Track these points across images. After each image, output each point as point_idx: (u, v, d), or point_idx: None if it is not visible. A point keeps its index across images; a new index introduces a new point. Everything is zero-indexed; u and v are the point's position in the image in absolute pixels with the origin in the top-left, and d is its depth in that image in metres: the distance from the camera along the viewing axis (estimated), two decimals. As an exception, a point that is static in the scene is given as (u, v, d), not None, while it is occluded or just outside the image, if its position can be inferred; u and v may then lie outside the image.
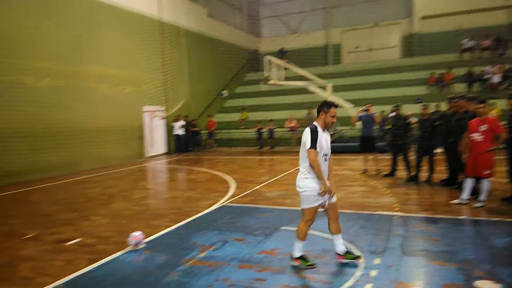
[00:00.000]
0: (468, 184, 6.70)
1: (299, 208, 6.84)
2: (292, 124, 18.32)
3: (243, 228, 5.83)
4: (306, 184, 4.09)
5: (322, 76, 19.72)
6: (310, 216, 4.17)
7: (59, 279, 4.23)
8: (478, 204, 6.50)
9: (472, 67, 19.26)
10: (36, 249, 5.31)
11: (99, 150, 14.29)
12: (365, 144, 10.81)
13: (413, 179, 8.99)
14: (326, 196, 4.11)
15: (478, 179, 6.61)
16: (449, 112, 8.24)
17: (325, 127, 4.16)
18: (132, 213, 7.11)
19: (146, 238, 5.32)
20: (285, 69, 18.69)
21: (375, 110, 11.72)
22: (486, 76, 18.51)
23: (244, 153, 17.65)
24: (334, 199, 4.21)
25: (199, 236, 5.51)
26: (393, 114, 9.99)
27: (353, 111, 15.29)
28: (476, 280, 3.78)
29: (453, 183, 8.05)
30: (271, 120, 18.97)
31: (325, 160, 4.13)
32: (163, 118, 17.94)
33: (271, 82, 17.42)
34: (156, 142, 17.75)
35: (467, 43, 21.45)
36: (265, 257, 4.61)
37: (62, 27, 13.16)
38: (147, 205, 7.92)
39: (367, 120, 10.77)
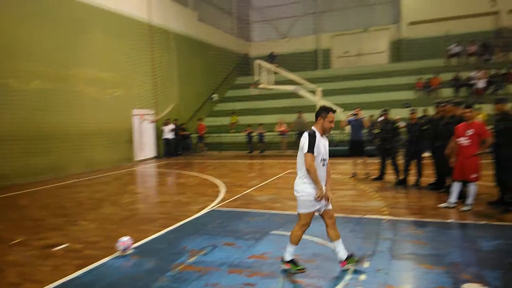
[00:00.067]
0: (456, 188, 6.79)
1: (289, 212, 6.90)
2: (282, 128, 18.37)
3: (233, 232, 5.82)
4: (304, 189, 4.08)
5: (312, 80, 19.83)
6: (306, 221, 4.15)
7: (46, 285, 4.17)
8: (465, 208, 6.59)
9: (459, 72, 19.59)
10: (23, 255, 5.22)
11: (88, 154, 14.14)
12: (354, 148, 10.89)
13: (401, 183, 9.08)
14: (323, 202, 4.10)
15: (465, 183, 6.70)
16: (436, 117, 8.37)
17: (323, 132, 4.15)
18: (121, 218, 7.04)
19: (134, 243, 5.27)
20: (275, 73, 18.77)
21: (364, 114, 11.84)
22: (472, 81, 18.83)
23: (234, 157, 17.63)
24: (330, 205, 4.20)
25: (189, 240, 5.48)
26: (382, 118, 10.09)
27: (343, 116, 15.40)
28: (464, 283, 3.82)
29: (440, 187, 8.15)
30: (261, 124, 19.00)
31: (323, 165, 4.12)
32: (153, 122, 17.85)
33: (261, 86, 17.46)
34: (146, 146, 17.63)
35: (454, 48, 21.81)
36: (255, 262, 4.60)
37: (51, 30, 13.03)
38: (136, 209, 7.86)
39: (356, 124, 10.86)
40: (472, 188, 6.58)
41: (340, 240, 4.23)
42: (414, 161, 8.87)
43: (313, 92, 17.94)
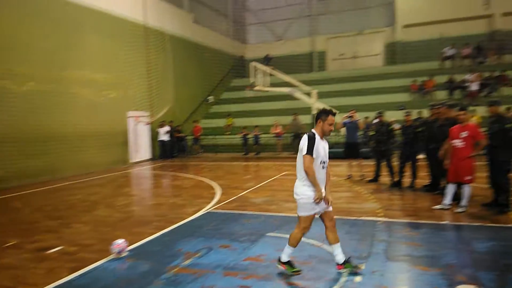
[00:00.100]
0: (450, 189, 6.83)
1: (284, 214, 6.90)
2: (278, 130, 18.38)
3: (229, 234, 5.80)
4: (304, 192, 4.07)
5: (307, 82, 19.88)
6: (306, 224, 4.13)
7: (40, 288, 4.14)
8: (459, 210, 6.62)
9: (453, 75, 19.72)
10: (17, 257, 5.18)
11: (82, 156, 14.06)
12: (350, 150, 10.92)
13: (396, 185, 9.11)
14: (324, 205, 4.08)
15: (459, 184, 6.74)
16: (431, 119, 8.41)
17: (323, 135, 4.14)
18: (115, 220, 7.00)
19: (129, 245, 5.23)
20: (271, 75, 18.80)
21: (359, 116, 11.88)
22: (466, 84, 18.97)
23: (230, 159, 17.61)
24: (330, 208, 4.19)
25: (184, 243, 5.46)
26: (377, 120, 10.12)
27: (338, 118, 15.44)
28: (459, 285, 3.83)
29: (435, 189, 8.18)
30: (256, 126, 19.00)
31: (323, 167, 4.11)
32: (148, 124, 17.79)
33: (256, 88, 17.48)
34: (141, 148, 17.57)
35: (448, 51, 21.96)
36: (250, 264, 4.59)
37: (46, 32, 12.96)
38: (130, 212, 7.82)
39: (351, 126, 10.90)
40: (466, 190, 6.62)
41: (338, 244, 4.21)
42: (408, 163, 8.91)
43: (308, 94, 17.97)
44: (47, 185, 11.42)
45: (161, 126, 17.88)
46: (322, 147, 4.09)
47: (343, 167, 11.85)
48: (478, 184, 7.43)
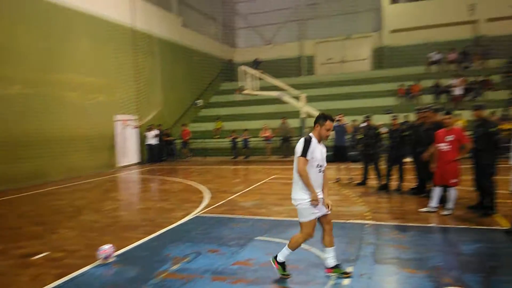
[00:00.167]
0: (436, 192, 6.91)
1: (273, 218, 6.90)
2: (267, 134, 18.41)
3: (217, 239, 5.78)
4: (300, 196, 4.07)
5: (296, 86, 19.98)
6: (309, 230, 4.09)
7: (24, 295, 4.06)
8: (446, 212, 6.70)
9: (439, 80, 20.03)
10: (1, 264, 5.07)
11: (68, 160, 13.87)
12: (338, 154, 10.99)
13: (384, 188, 9.18)
14: (324, 209, 4.08)
15: (445, 187, 6.83)
16: (417, 123, 8.53)
17: (320, 139, 4.16)
18: (102, 226, 6.91)
19: (116, 251, 5.18)
20: (260, 79, 18.84)
21: (347, 120, 11.97)
22: (452, 88, 19.28)
23: (219, 162, 17.57)
24: (329, 211, 4.18)
25: (172, 248, 5.41)
26: (364, 124, 10.22)
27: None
28: (445, 287, 3.88)
29: (422, 192, 8.28)
30: (245, 130, 19.01)
31: (320, 171, 4.11)
32: (136, 128, 17.65)
33: (245, 92, 17.49)
34: (128, 151, 17.41)
35: (434, 56, 22.31)
36: (239, 268, 4.57)
37: (33, 35, 12.81)
38: (118, 217, 7.73)
39: (340, 130, 10.97)
40: (452, 193, 6.71)
41: (333, 248, 4.22)
42: (395, 166, 9.00)
43: (297, 98, 18.05)
44: (32, 190, 11.23)
45: (149, 129, 17.76)
46: (319, 150, 4.10)
47: (331, 171, 11.88)
48: (464, 187, 7.54)
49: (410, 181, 9.01)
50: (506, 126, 13.74)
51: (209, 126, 21.57)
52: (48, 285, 4.29)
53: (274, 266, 4.26)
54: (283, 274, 4.21)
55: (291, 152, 18.99)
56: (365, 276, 4.23)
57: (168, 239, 5.88)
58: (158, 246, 5.57)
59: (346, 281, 4.09)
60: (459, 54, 22.02)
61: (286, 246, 4.23)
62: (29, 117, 12.46)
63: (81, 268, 4.75)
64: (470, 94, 18.96)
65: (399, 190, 8.92)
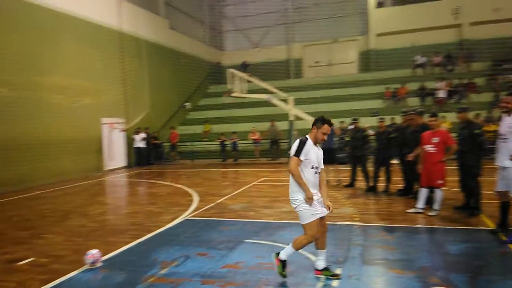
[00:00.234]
0: (423, 193, 7.00)
1: (262, 220, 6.90)
2: (256, 137, 18.42)
3: (206, 242, 5.75)
4: (296, 196, 4.09)
5: (284, 89, 20.04)
6: (312, 231, 4.05)
7: (9, 302, 3.97)
8: (432, 213, 6.79)
9: (424, 82, 20.34)
10: (-17, 271, 4.96)
11: (55, 164, 13.66)
12: (326, 156, 10.99)
13: (371, 190, 9.27)
14: (325, 210, 4.06)
15: (432, 188, 6.92)
16: (403, 125, 8.63)
17: (316, 142, 4.17)
18: (89, 230, 6.82)
19: (104, 256, 5.11)
20: (248, 82, 18.85)
21: (335, 122, 12.04)
22: (436, 91, 19.61)
23: (208, 165, 17.51)
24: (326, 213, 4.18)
25: (161, 252, 5.37)
26: (352, 127, 10.30)
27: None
28: (433, 287, 3.92)
29: (409, 193, 8.38)
30: (234, 132, 18.99)
31: (315, 173, 4.13)
32: (123, 131, 17.48)
33: (234, 94, 17.48)
34: (116, 155, 17.22)
35: (420, 59, 22.64)
36: (228, 272, 4.56)
37: (17, 36, 12.60)
38: (105, 221, 7.64)
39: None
40: (438, 194, 6.80)
41: (325, 251, 4.24)
42: (383, 168, 9.09)
43: (285, 101, 18.10)
44: (18, 195, 11.02)
45: (137, 133, 17.61)
46: (314, 152, 4.12)
47: (320, 173, 11.94)
48: (450, 188, 7.65)
49: (397, 182, 9.10)
50: (491, 127, 14.00)
51: (198, 129, 21.50)
52: (34, 291, 4.21)
53: (275, 263, 4.23)
54: (281, 273, 4.20)
55: (280, 154, 19.04)
56: (354, 277, 4.25)
57: (157, 243, 5.83)
58: (146, 250, 5.51)
59: (335, 283, 4.11)
60: (444, 57, 22.43)
61: (291, 244, 4.20)
62: (14, 120, 12.24)
63: (68, 273, 4.67)
64: (455, 96, 19.31)
65: (386, 191, 9.01)
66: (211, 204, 8.51)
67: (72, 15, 14.92)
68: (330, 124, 4.16)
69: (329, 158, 10.95)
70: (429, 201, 6.98)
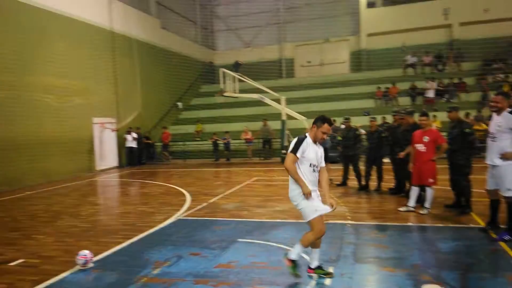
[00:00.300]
0: (414, 192, 7.06)
1: (255, 220, 6.90)
2: (248, 136, 18.42)
3: (199, 242, 5.73)
4: (296, 195, 4.08)
5: (276, 89, 20.06)
6: (318, 227, 4.02)
7: (-1, 304, 3.93)
8: (423, 211, 6.85)
9: (415, 82, 20.51)
10: (-28, 273, 4.89)
11: (44, 164, 13.52)
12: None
13: (363, 188, 9.32)
14: (327, 208, 4.04)
15: (423, 187, 6.98)
16: (394, 125, 8.70)
17: (315, 140, 4.16)
18: (80, 231, 6.76)
19: (95, 256, 5.07)
20: (240, 81, 18.84)
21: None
22: (426, 91, 19.80)
23: (200, 165, 17.46)
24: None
25: (153, 252, 5.34)
26: (344, 126, 10.34)
27: (306, 124, 15.67)
28: (424, 285, 3.96)
29: (400, 191, 8.44)
30: (226, 132, 18.97)
31: (313, 171, 4.11)
32: (114, 130, 17.36)
33: (226, 94, 17.47)
34: (107, 155, 17.09)
35: (410, 59, 22.82)
36: (221, 271, 4.55)
37: (7, 36, 12.45)
38: (96, 221, 7.58)
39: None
40: (429, 192, 6.86)
41: (318, 250, 4.23)
42: (374, 167, 9.15)
43: (277, 100, 18.13)
44: (7, 195, 10.88)
45: (128, 132, 17.50)
46: (313, 150, 4.11)
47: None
48: (441, 187, 7.72)
49: (389, 181, 9.17)
50: (481, 126, 14.18)
51: (190, 128, 21.44)
52: (24, 293, 4.16)
53: (286, 264, 4.19)
54: (294, 273, 4.15)
55: (273, 154, 18.98)
56: (346, 275, 4.28)
57: (149, 243, 5.80)
58: (138, 250, 5.48)
59: (327, 281, 4.12)
60: (434, 57, 22.64)
61: (298, 243, 4.16)
62: (3, 120, 12.09)
63: (59, 274, 4.63)
64: (445, 96, 19.50)
65: (378, 190, 9.07)
66: (204, 204, 8.49)
67: (63, 15, 14.76)
68: (331, 124, 4.15)
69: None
70: (420, 200, 7.04)
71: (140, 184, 12.55)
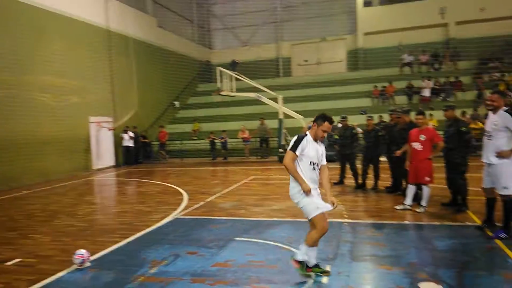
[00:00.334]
0: (410, 190, 7.08)
1: (252, 218, 6.90)
2: (245, 135, 18.42)
3: (196, 241, 5.73)
4: (296, 193, 4.08)
5: (273, 88, 20.06)
6: (320, 224, 4.00)
7: (-5, 304, 3.91)
8: (420, 210, 6.88)
9: (412, 81, 20.57)
10: (-32, 273, 4.87)
11: (41, 163, 13.46)
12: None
13: (360, 187, 9.35)
14: (328, 206, 4.03)
15: (419, 185, 7.01)
16: (391, 123, 8.72)
17: (316, 139, 4.15)
18: (77, 230, 6.74)
19: (92, 255, 5.06)
20: (237, 80, 18.83)
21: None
22: (422, 89, 19.86)
23: (197, 164, 17.44)
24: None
25: (150, 251, 5.33)
26: (341, 125, 10.36)
27: (304, 123, 15.69)
28: (420, 282, 3.97)
29: (397, 190, 8.47)
30: (223, 131, 18.96)
31: (313, 168, 4.11)
32: (111, 129, 17.31)
33: (223, 93, 17.46)
34: (104, 154, 17.04)
35: (407, 58, 22.88)
36: (218, 270, 4.55)
37: (3, 35, 12.38)
38: (93, 221, 7.56)
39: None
40: (426, 191, 6.89)
41: (316, 248, 4.21)
42: (371, 165, 9.17)
43: (274, 99, 18.14)
44: (4, 195, 10.83)
45: (125, 131, 17.46)
46: (314, 149, 4.10)
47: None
48: (437, 185, 7.75)
49: (386, 180, 9.19)
50: (477, 125, 14.23)
51: (187, 127, 21.40)
52: (21, 293, 4.15)
53: (295, 266, 4.15)
54: (305, 274, 4.13)
55: (270, 153, 18.95)
56: (343, 274, 4.29)
57: (146, 243, 5.79)
58: (135, 249, 5.47)
59: (325, 279, 4.13)
60: (431, 56, 22.70)
61: (303, 243, 4.16)
62: (0, 120, 12.03)
63: (56, 273, 4.61)
64: (441, 95, 19.56)
65: (375, 189, 9.09)
66: (201, 203, 8.49)
67: (59, 13, 14.69)
68: (331, 122, 4.12)
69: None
70: (417, 198, 7.07)
71: (137, 183, 12.52)
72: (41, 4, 13.85)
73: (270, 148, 18.04)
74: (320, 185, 4.20)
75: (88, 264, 4.83)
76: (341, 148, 9.98)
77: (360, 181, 9.42)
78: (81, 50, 15.68)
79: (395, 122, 8.43)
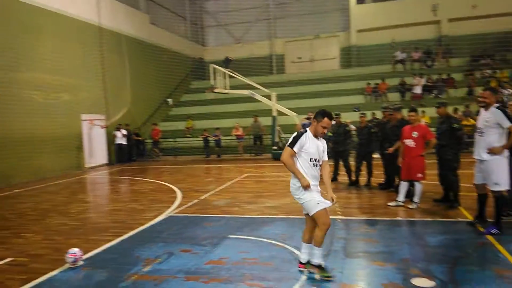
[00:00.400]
0: (403, 187, 7.13)
1: (246, 216, 6.91)
2: (239, 132, 18.39)
3: (190, 238, 5.72)
4: (296, 189, 4.09)
5: (266, 85, 20.07)
6: (322, 219, 3.99)
7: (-14, 304, 3.88)
8: (412, 206, 6.92)
9: (404, 78, 20.68)
10: (-41, 273, 4.82)
11: (33, 162, 13.34)
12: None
13: (353, 184, 9.39)
14: (328, 202, 4.03)
15: (412, 182, 7.05)
16: (384, 120, 8.76)
17: (316, 135, 4.14)
18: (70, 229, 6.70)
19: (85, 254, 5.03)
20: (231, 77, 18.79)
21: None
22: (414, 86, 19.97)
23: (191, 161, 17.40)
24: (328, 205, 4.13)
25: (143, 249, 5.31)
26: (334, 122, 10.38)
27: (297, 120, 15.71)
28: (413, 278, 4.01)
29: (389, 186, 8.52)
30: (217, 128, 18.92)
31: (314, 165, 4.10)
32: (104, 127, 17.19)
33: (216, 90, 17.40)
34: (96, 152, 16.92)
35: (400, 55, 22.99)
36: (212, 268, 4.55)
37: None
38: (86, 219, 7.51)
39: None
40: (418, 187, 6.94)
41: (310, 245, 4.22)
42: (364, 162, 9.21)
43: (268, 96, 18.13)
44: (-7, 194, 10.74)
45: (117, 129, 17.35)
46: (314, 145, 4.08)
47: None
48: (429, 181, 7.81)
49: (379, 176, 9.24)
50: (469, 122, 14.35)
51: (180, 125, 21.33)
52: (13, 292, 4.12)
53: (313, 271, 4.13)
54: (325, 276, 4.07)
55: (264, 150, 18.96)
56: (337, 270, 4.30)
57: (139, 241, 5.77)
58: (128, 248, 5.45)
59: (317, 276, 4.14)
60: (423, 53, 22.83)
61: (313, 247, 4.12)
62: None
63: (48, 272, 4.58)
64: (434, 91, 19.69)
65: (368, 185, 9.14)
66: (195, 201, 8.47)
67: (50, 10, 14.53)
68: (331, 118, 4.10)
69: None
70: (409, 194, 7.12)
71: (130, 181, 12.46)
72: (32, 1, 13.68)
73: (264, 145, 18.03)
74: (321, 180, 4.21)
75: (81, 262, 4.81)
76: (335, 145, 10.00)
77: (353, 178, 9.45)
78: (72, 47, 15.53)
79: (387, 119, 8.48)
